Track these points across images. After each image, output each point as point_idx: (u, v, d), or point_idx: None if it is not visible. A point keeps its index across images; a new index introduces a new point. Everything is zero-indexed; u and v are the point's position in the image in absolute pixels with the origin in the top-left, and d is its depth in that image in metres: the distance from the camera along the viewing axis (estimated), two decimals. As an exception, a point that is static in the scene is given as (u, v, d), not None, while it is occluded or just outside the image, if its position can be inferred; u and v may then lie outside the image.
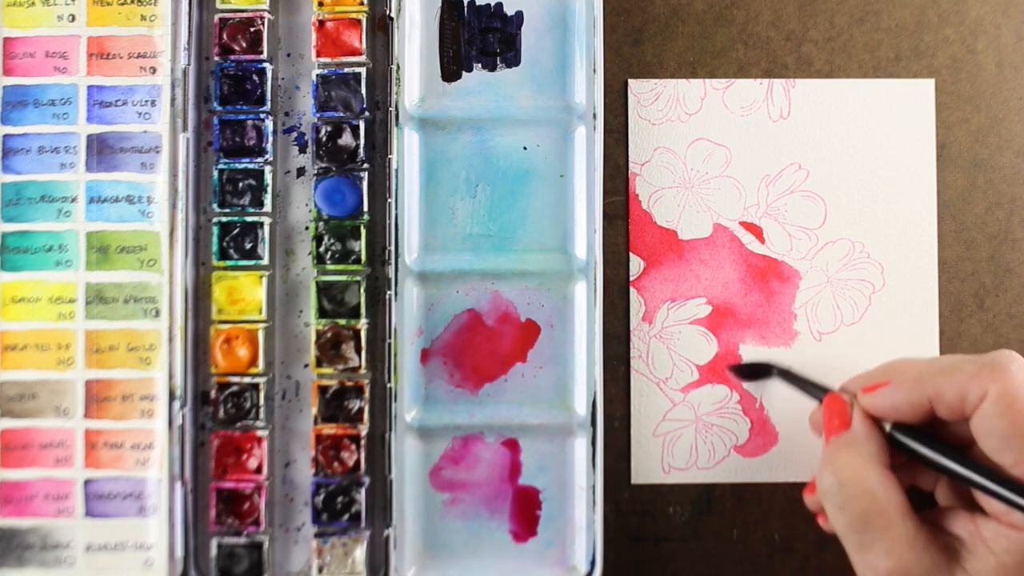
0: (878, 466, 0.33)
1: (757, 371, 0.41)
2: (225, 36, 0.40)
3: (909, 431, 0.34)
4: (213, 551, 0.39)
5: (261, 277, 0.40)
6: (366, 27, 0.40)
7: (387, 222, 0.40)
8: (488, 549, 0.40)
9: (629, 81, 0.42)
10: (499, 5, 0.41)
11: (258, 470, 0.39)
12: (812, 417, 0.38)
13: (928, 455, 0.33)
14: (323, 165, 0.40)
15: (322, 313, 0.40)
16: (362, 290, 0.40)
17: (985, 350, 0.42)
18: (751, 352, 0.42)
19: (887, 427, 0.34)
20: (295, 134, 0.41)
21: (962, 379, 0.32)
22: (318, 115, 0.40)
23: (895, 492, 0.32)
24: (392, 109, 0.40)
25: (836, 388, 0.37)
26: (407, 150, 0.40)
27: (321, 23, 0.40)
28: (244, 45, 0.40)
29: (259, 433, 0.39)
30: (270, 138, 0.40)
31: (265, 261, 0.40)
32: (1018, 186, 0.43)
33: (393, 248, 0.40)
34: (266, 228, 0.40)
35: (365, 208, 0.40)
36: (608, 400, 0.42)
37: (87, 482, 0.39)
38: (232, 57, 0.40)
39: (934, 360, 0.35)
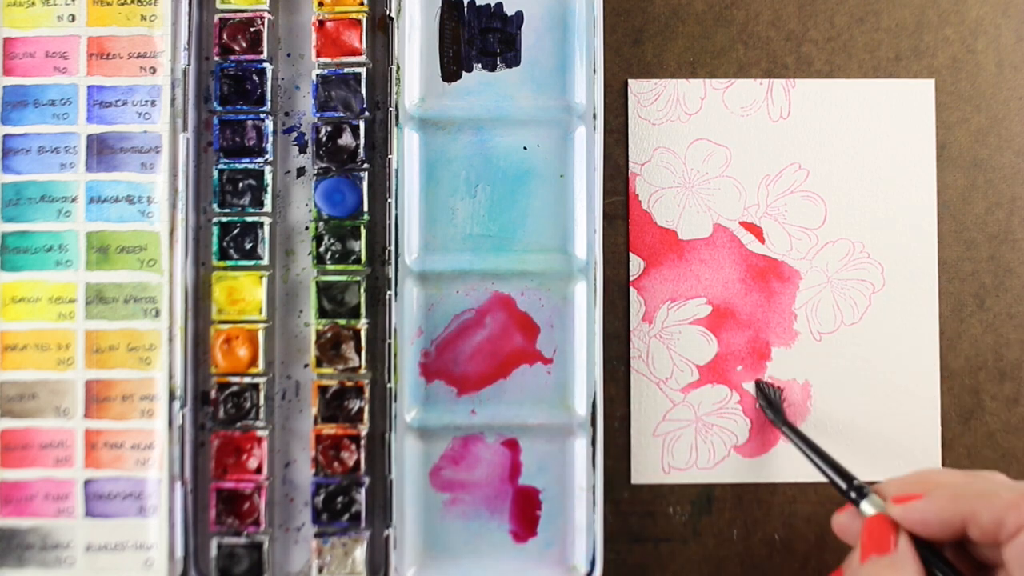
0: None
1: (777, 411, 0.40)
2: (225, 36, 0.40)
3: (944, 559, 0.33)
4: (213, 551, 0.39)
5: (261, 277, 0.40)
6: (366, 27, 0.40)
7: (387, 222, 0.40)
8: (488, 549, 0.40)
9: (629, 81, 0.42)
10: (499, 5, 0.41)
11: (258, 470, 0.39)
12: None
13: None
14: (323, 165, 0.40)
15: (322, 313, 0.40)
16: (362, 290, 0.40)
17: (985, 350, 0.42)
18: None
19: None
20: (295, 134, 0.41)
21: (1000, 506, 0.31)
22: (318, 115, 0.40)
23: None
24: (392, 109, 0.40)
25: (868, 489, 0.36)
26: (407, 150, 0.40)
27: (321, 23, 0.40)
28: (244, 45, 0.40)
29: (259, 433, 0.39)
30: (270, 138, 0.40)
31: (265, 261, 0.40)
32: (1018, 186, 0.43)
33: (393, 248, 0.40)
34: (266, 228, 0.40)
35: (365, 208, 0.40)
36: (608, 400, 0.42)
37: (87, 482, 0.39)
38: (232, 57, 0.40)
39: (971, 479, 0.34)
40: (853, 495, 0.35)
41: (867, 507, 0.34)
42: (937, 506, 0.33)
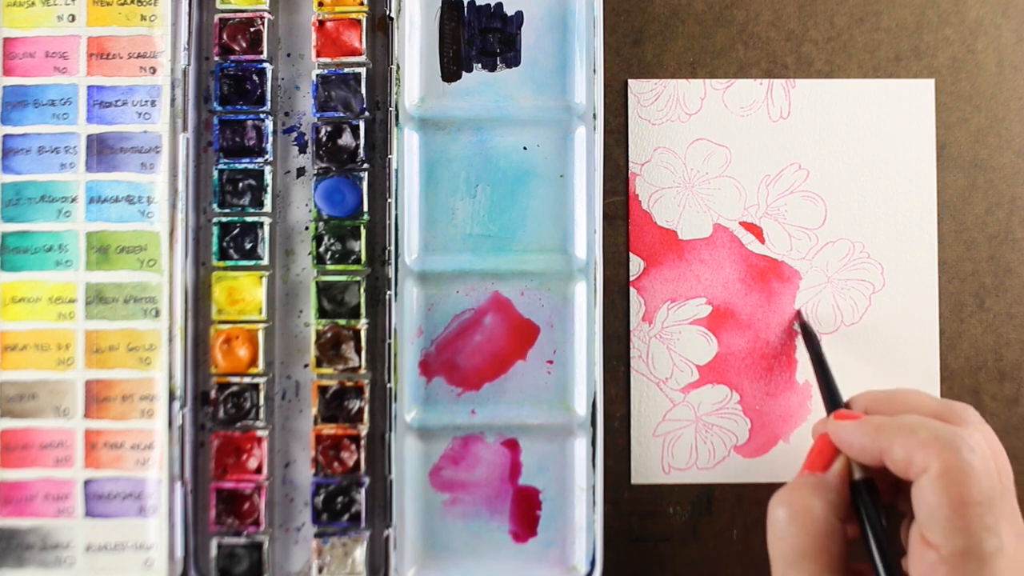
0: (832, 517, 0.33)
1: (808, 333, 0.41)
2: (225, 36, 0.40)
3: (871, 493, 0.34)
4: (213, 551, 0.39)
5: (261, 277, 0.40)
6: (366, 27, 0.40)
7: (387, 222, 0.40)
8: (488, 549, 0.40)
9: (629, 81, 0.42)
10: (499, 5, 0.41)
11: (258, 470, 0.39)
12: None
13: (864, 523, 0.33)
14: (323, 165, 0.40)
15: (322, 313, 0.40)
16: (362, 290, 0.40)
17: (985, 350, 0.42)
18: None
19: (856, 474, 0.34)
20: (295, 134, 0.41)
21: (912, 443, 0.31)
22: (318, 115, 0.40)
23: (836, 544, 0.32)
24: (392, 109, 0.40)
25: (845, 401, 0.37)
26: (407, 150, 0.40)
27: (321, 23, 0.40)
28: (244, 45, 0.40)
29: (259, 433, 0.39)
30: (270, 138, 0.40)
31: (265, 261, 0.40)
32: (1018, 186, 0.43)
33: (393, 248, 0.40)
34: (266, 228, 0.40)
35: (365, 208, 0.40)
36: (608, 400, 0.42)
37: (87, 482, 0.39)
38: (232, 57, 0.40)
39: (927, 410, 0.34)
40: (831, 404, 0.37)
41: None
42: (861, 431, 0.33)
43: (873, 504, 0.33)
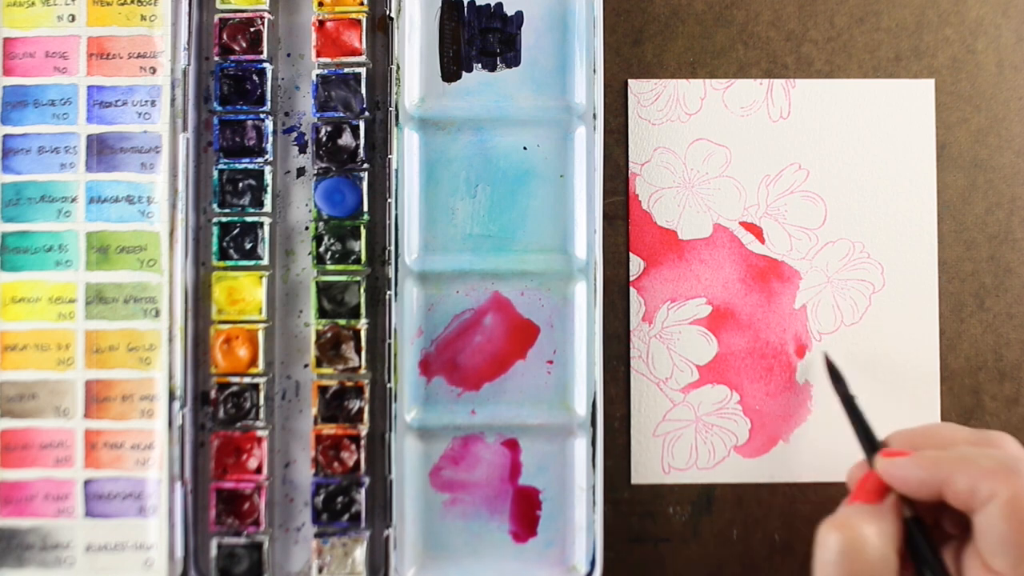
0: (889, 548, 0.32)
1: (836, 375, 0.40)
2: (225, 36, 0.40)
3: (924, 528, 0.34)
4: (213, 551, 0.39)
5: (261, 277, 0.40)
6: (366, 27, 0.40)
7: (387, 222, 0.40)
8: (488, 549, 0.40)
9: (629, 81, 0.42)
10: (499, 5, 0.41)
11: (258, 470, 0.39)
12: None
13: (924, 561, 0.33)
14: (323, 165, 0.40)
15: (322, 313, 0.40)
16: (362, 290, 0.40)
17: (985, 350, 0.42)
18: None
19: (907, 513, 0.34)
20: (295, 134, 0.41)
21: (976, 473, 0.32)
22: (318, 115, 0.40)
23: (891, 574, 0.32)
24: (392, 109, 0.40)
25: (881, 441, 0.37)
26: (407, 150, 0.40)
27: (321, 23, 0.40)
28: (244, 45, 0.40)
29: (259, 433, 0.39)
30: (270, 138, 0.40)
31: (265, 261, 0.40)
32: (1018, 186, 0.43)
33: (393, 248, 0.40)
34: (266, 228, 0.40)
35: (365, 208, 0.40)
36: (608, 400, 0.42)
37: (87, 482, 0.39)
38: (232, 57, 0.40)
39: (976, 439, 0.34)
40: (871, 451, 0.36)
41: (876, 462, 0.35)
42: (917, 465, 0.33)
43: (930, 539, 0.33)
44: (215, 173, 0.40)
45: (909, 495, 0.34)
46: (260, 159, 0.40)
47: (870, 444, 0.37)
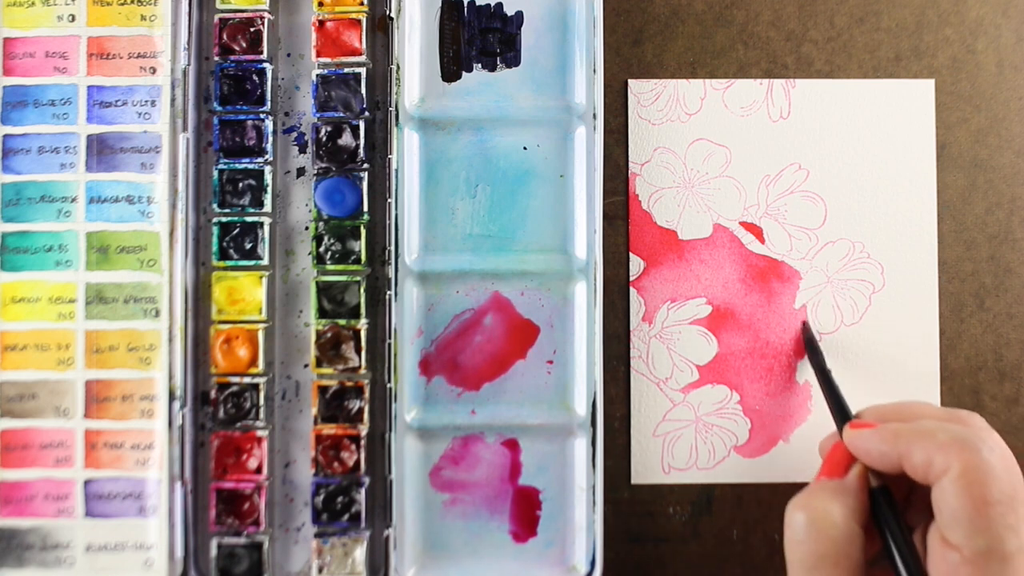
0: (852, 522, 0.33)
1: (812, 346, 0.41)
2: (225, 36, 0.40)
3: (888, 499, 0.34)
4: (213, 551, 0.39)
5: (261, 277, 0.40)
6: (366, 27, 0.40)
7: (387, 222, 0.40)
8: (488, 549, 0.40)
9: (629, 81, 0.42)
10: (499, 5, 0.41)
11: (258, 470, 0.39)
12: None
13: (886, 530, 0.33)
14: (323, 165, 0.40)
15: (322, 313, 0.40)
16: (362, 290, 0.40)
17: (985, 350, 0.42)
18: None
19: (872, 482, 0.34)
20: (295, 134, 0.41)
21: (931, 447, 0.32)
22: (318, 115, 0.40)
23: (856, 550, 0.32)
24: (392, 109, 0.40)
25: (853, 414, 0.37)
26: (407, 150, 0.40)
27: (321, 23, 0.40)
28: (244, 45, 0.40)
29: (259, 433, 0.39)
30: (270, 138, 0.40)
31: (265, 261, 0.40)
32: (1018, 186, 0.43)
33: (393, 248, 0.40)
34: (266, 228, 0.40)
35: (365, 208, 0.40)
36: (608, 400, 0.42)
37: (87, 482, 0.39)
38: (232, 57, 0.40)
39: (946, 416, 0.35)
40: (841, 423, 0.37)
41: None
42: (879, 438, 0.33)
43: (892, 509, 0.33)
44: (215, 173, 0.40)
45: (872, 467, 0.34)
46: (260, 159, 0.40)
47: (842, 416, 0.37)
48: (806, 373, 0.42)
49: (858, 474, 0.34)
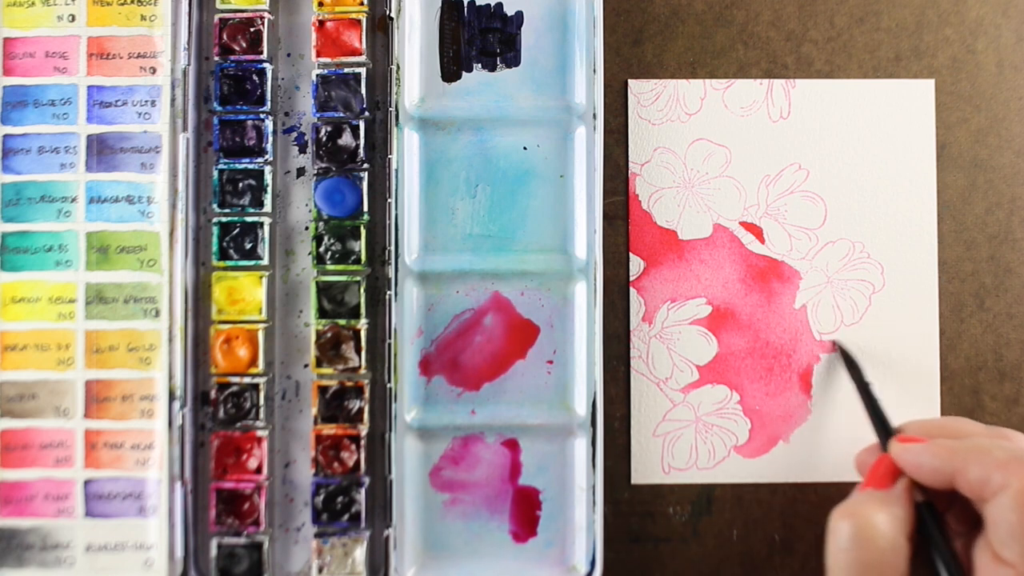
0: (899, 533, 0.33)
1: (851, 362, 0.41)
2: (225, 36, 0.40)
3: (934, 513, 0.34)
4: (213, 551, 0.39)
5: (261, 277, 0.40)
6: (366, 27, 0.40)
7: (387, 222, 0.40)
8: (488, 549, 0.40)
9: (629, 81, 0.42)
10: (499, 5, 0.41)
11: (258, 470, 0.39)
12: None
13: (933, 545, 0.33)
14: (323, 165, 0.40)
15: (322, 313, 0.40)
16: (362, 290, 0.40)
17: (985, 350, 0.42)
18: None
19: (918, 497, 0.34)
20: (295, 134, 0.41)
21: (989, 463, 0.32)
22: (318, 115, 0.40)
23: (902, 561, 0.32)
24: (392, 109, 0.40)
25: (895, 428, 0.37)
26: (407, 150, 0.40)
27: (321, 23, 0.40)
28: (244, 45, 0.40)
29: (259, 433, 0.39)
30: (270, 138, 0.40)
31: (265, 261, 0.40)
32: (1018, 186, 0.43)
33: (393, 248, 0.40)
34: (266, 228, 0.40)
35: (365, 208, 0.40)
36: (608, 400, 0.42)
37: (87, 482, 0.39)
38: (232, 57, 0.40)
39: (990, 434, 0.35)
40: (885, 436, 0.37)
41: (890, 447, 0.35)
42: (932, 453, 0.34)
43: (938, 524, 0.34)
44: (215, 173, 0.40)
45: (921, 482, 0.34)
46: (260, 159, 0.40)
47: (885, 430, 0.37)
48: (806, 374, 0.42)
49: (905, 487, 0.34)
